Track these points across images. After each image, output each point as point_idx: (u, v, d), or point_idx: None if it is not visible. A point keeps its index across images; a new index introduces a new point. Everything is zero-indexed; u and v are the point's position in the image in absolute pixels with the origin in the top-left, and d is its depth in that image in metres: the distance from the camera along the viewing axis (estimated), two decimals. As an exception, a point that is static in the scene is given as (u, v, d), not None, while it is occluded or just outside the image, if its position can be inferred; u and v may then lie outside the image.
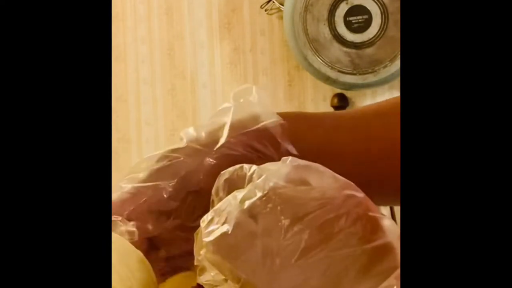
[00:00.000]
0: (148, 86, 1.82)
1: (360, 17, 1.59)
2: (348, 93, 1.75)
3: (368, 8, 1.58)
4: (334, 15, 1.59)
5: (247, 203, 0.42)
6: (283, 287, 0.40)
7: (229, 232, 0.41)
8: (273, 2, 1.72)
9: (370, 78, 1.60)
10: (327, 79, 1.63)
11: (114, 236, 0.49)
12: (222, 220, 0.42)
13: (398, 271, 0.40)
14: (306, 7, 1.59)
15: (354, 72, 1.60)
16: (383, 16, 1.58)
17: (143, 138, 1.81)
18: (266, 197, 0.42)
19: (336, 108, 1.75)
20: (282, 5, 1.66)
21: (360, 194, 0.43)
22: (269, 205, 0.42)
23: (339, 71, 1.60)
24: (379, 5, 1.58)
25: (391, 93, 1.75)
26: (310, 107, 1.78)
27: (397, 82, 1.66)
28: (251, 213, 0.42)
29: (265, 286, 0.40)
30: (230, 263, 0.42)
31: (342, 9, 1.59)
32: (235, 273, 0.42)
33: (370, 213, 0.43)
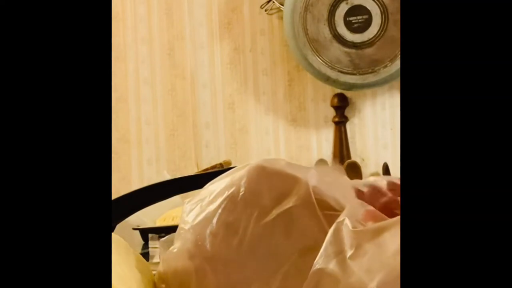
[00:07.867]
0: (148, 86, 1.82)
1: (360, 17, 1.59)
2: (348, 93, 1.75)
3: (368, 8, 1.58)
4: (334, 15, 1.59)
5: None
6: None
7: None
8: (273, 2, 1.72)
9: (370, 78, 1.60)
10: (327, 79, 1.63)
11: (114, 236, 0.49)
12: None
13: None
14: (306, 7, 1.59)
15: (354, 72, 1.60)
16: (383, 16, 1.58)
17: (143, 138, 1.81)
18: None
19: (336, 108, 1.75)
20: (282, 5, 1.66)
21: None
22: None
23: (339, 71, 1.60)
24: (379, 5, 1.58)
25: (391, 93, 1.75)
26: (310, 107, 1.78)
27: (397, 82, 1.66)
28: None
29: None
30: None
31: (342, 9, 1.59)
32: None
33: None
